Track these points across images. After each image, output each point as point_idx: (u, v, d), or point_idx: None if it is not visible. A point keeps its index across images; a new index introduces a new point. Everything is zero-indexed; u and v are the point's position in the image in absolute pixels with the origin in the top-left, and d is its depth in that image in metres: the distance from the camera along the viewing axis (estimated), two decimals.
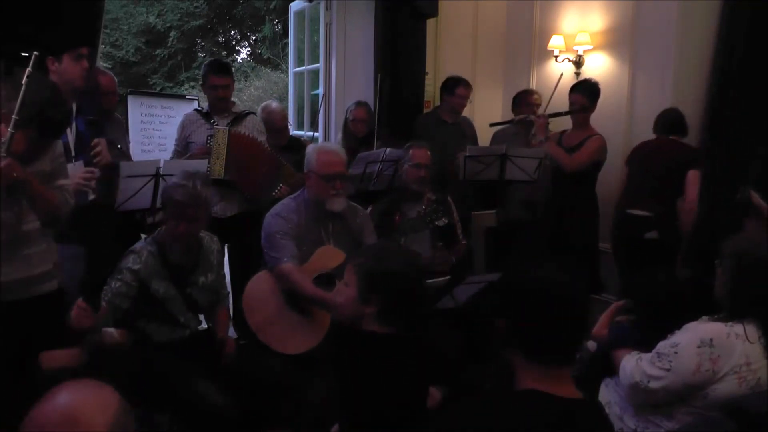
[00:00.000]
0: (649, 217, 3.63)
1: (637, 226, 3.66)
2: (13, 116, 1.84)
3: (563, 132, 3.99)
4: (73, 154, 2.80)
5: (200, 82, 3.75)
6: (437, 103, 4.49)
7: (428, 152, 3.32)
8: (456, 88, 4.13)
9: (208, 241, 2.61)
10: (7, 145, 1.85)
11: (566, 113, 3.90)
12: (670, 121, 3.69)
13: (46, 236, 2.18)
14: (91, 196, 2.68)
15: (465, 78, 4.19)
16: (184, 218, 2.37)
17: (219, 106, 3.62)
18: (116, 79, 3.57)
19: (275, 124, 3.90)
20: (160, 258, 2.42)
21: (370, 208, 3.30)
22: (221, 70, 3.60)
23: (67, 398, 0.95)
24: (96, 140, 2.79)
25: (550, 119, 3.93)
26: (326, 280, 2.72)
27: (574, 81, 4.51)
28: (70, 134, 2.81)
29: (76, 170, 2.68)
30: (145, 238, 2.53)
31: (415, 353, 1.78)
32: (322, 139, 4.69)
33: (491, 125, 4.31)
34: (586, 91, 3.86)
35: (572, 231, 3.84)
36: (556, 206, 3.95)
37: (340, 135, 4.28)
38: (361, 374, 1.69)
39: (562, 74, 4.21)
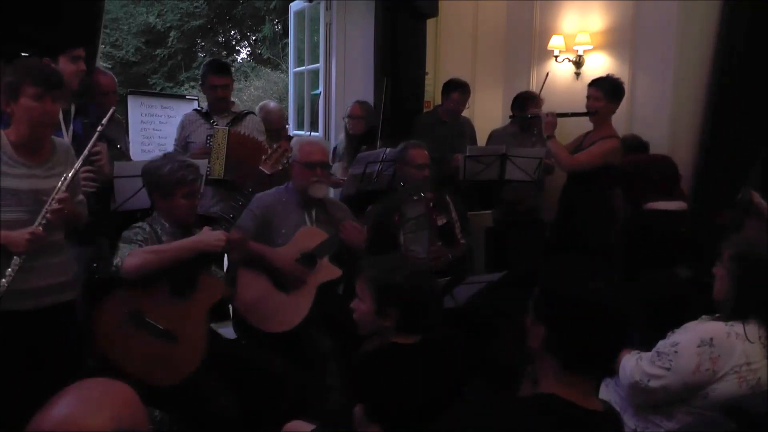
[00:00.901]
0: (683, 212, 3.60)
1: (670, 221, 3.60)
2: (69, 176, 2.15)
3: (587, 133, 3.81)
4: None
5: (200, 82, 3.76)
6: (437, 102, 4.49)
7: (426, 151, 3.32)
8: (452, 92, 4.15)
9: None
10: (67, 183, 2.12)
11: (572, 114, 3.73)
12: (634, 145, 3.81)
13: (66, 247, 2.30)
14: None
15: (465, 81, 4.19)
16: (196, 194, 2.53)
17: (218, 106, 3.62)
18: (116, 79, 3.56)
19: (273, 124, 3.91)
20: (156, 239, 2.46)
21: (370, 208, 3.30)
22: (220, 70, 3.60)
23: (66, 406, 0.93)
24: (99, 146, 2.80)
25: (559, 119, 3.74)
26: (308, 259, 2.79)
27: (574, 81, 4.53)
28: (67, 137, 2.82)
29: None
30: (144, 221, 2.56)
31: (441, 355, 1.81)
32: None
33: (510, 117, 4.26)
34: (605, 87, 3.59)
35: (580, 234, 3.64)
36: (564, 208, 3.82)
37: (342, 135, 4.28)
38: (393, 387, 1.68)
39: (548, 74, 4.16)
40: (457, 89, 4.14)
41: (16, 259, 2.04)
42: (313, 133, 4.95)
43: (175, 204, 2.45)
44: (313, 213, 2.97)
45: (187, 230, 2.54)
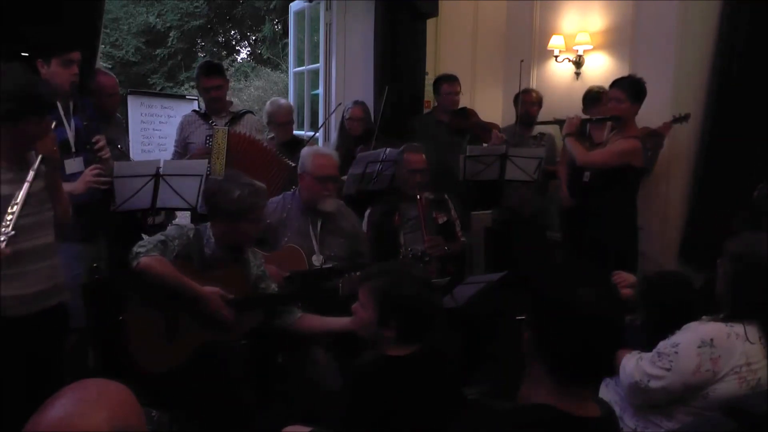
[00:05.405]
0: None
1: None
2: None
3: (612, 135, 3.64)
4: (73, 150, 2.82)
5: (195, 85, 3.77)
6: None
7: (423, 156, 3.32)
8: (441, 86, 4.19)
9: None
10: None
11: (597, 120, 3.65)
12: None
13: (54, 253, 2.22)
14: None
15: (456, 75, 4.22)
16: (262, 219, 2.52)
17: (215, 107, 3.63)
18: (116, 80, 3.58)
19: (281, 118, 3.92)
20: (197, 245, 2.42)
21: (370, 209, 3.31)
22: (211, 72, 3.61)
23: (63, 406, 0.93)
24: (97, 137, 2.81)
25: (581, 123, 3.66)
26: (295, 281, 2.66)
27: (575, 81, 4.53)
28: (69, 131, 2.82)
29: (76, 166, 2.73)
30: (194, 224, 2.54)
31: (438, 366, 1.81)
32: (322, 139, 4.69)
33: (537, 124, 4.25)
34: (628, 88, 3.39)
35: (599, 240, 3.43)
36: (583, 212, 3.68)
37: (335, 135, 4.28)
38: (391, 399, 1.67)
39: (522, 60, 4.14)
40: (445, 81, 4.19)
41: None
42: (310, 132, 4.94)
43: (238, 229, 2.37)
44: (319, 223, 2.91)
45: (237, 251, 2.47)
